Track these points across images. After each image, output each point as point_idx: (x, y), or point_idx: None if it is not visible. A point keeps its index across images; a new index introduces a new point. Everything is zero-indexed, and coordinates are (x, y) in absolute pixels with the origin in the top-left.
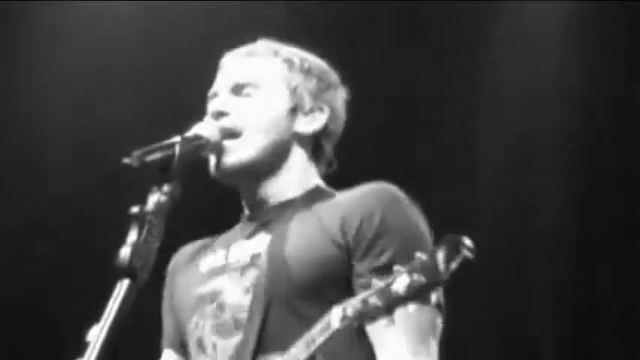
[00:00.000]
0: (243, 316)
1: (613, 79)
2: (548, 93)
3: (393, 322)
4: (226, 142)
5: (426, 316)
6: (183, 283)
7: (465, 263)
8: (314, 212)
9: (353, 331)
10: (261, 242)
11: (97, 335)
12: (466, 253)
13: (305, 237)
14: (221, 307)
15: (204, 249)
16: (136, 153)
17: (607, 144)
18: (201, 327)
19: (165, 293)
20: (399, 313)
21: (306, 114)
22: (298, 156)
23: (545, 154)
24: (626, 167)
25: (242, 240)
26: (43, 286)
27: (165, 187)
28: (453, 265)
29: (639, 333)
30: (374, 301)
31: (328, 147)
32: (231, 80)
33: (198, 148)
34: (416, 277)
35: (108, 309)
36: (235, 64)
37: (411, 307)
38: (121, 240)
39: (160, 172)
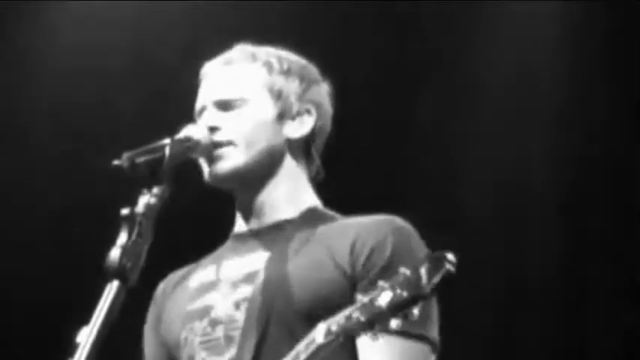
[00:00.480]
0: (236, 333)
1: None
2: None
3: (376, 337)
4: (221, 149)
5: (418, 351)
6: (172, 304)
7: (449, 278)
8: (319, 235)
9: (342, 347)
10: (258, 260)
11: (86, 336)
12: (449, 267)
13: (309, 259)
14: (212, 323)
15: (193, 270)
16: (126, 155)
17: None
18: (190, 343)
19: (150, 319)
20: (393, 343)
21: (293, 118)
22: (290, 161)
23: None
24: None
25: (235, 257)
26: (32, 287)
27: (156, 189)
28: (436, 280)
29: None
30: (357, 315)
31: (317, 149)
32: (216, 95)
33: (189, 150)
34: (399, 291)
35: (97, 310)
36: (217, 76)
37: (407, 343)
38: (110, 241)
39: (150, 174)
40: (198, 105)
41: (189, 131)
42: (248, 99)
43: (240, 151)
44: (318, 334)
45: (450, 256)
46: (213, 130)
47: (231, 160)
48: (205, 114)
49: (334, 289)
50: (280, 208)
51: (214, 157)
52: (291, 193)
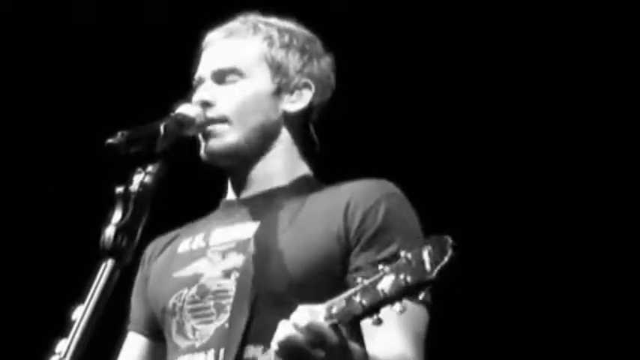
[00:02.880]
0: (225, 302)
1: None
2: None
3: (380, 322)
4: (215, 126)
5: (416, 312)
6: (159, 267)
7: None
8: (311, 203)
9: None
10: (248, 228)
11: (81, 315)
12: (452, 252)
13: (301, 228)
14: (201, 291)
15: (182, 234)
16: (121, 133)
17: None
18: (179, 310)
19: (138, 279)
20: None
21: (291, 92)
22: (285, 136)
23: None
24: None
25: (225, 225)
26: (25, 265)
27: (150, 167)
28: (442, 265)
29: None
30: (359, 299)
31: (314, 122)
32: (214, 65)
33: (184, 128)
34: (402, 276)
35: (92, 289)
36: (217, 47)
37: (403, 304)
38: (105, 220)
39: (145, 152)
40: (196, 75)
41: (183, 109)
42: (246, 72)
43: (234, 129)
44: (319, 316)
45: (452, 241)
46: (207, 105)
47: (227, 137)
48: (201, 87)
49: (326, 257)
50: (273, 177)
51: (208, 134)
52: (285, 165)
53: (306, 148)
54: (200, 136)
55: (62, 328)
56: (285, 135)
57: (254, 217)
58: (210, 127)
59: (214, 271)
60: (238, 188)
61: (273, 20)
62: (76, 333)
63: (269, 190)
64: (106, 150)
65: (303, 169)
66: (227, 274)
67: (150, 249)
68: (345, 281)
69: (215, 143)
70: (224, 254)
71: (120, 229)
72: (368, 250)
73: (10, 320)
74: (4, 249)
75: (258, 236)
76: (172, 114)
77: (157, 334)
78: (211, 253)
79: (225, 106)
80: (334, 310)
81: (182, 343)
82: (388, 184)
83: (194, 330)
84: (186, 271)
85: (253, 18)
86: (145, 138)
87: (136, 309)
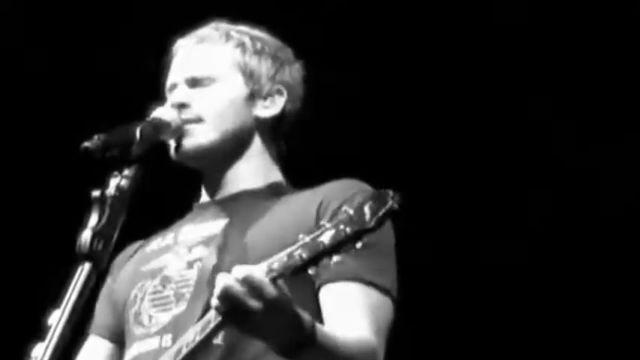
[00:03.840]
0: (186, 290)
1: None
2: None
3: (317, 274)
4: (188, 126)
5: (381, 302)
6: (126, 269)
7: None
8: (283, 202)
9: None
10: (217, 225)
11: (57, 319)
12: (392, 203)
13: (271, 223)
14: (163, 281)
15: (153, 238)
16: (96, 136)
17: None
18: (139, 300)
19: (106, 285)
20: (358, 289)
21: (264, 98)
22: (258, 140)
23: None
24: None
25: (195, 223)
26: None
27: (126, 171)
28: (380, 214)
29: None
30: (299, 252)
31: (285, 129)
32: (187, 72)
33: (159, 131)
34: (342, 227)
35: (68, 293)
36: (188, 53)
37: (372, 292)
38: (81, 224)
39: (121, 156)
40: (168, 82)
41: (159, 113)
42: (219, 77)
43: (209, 129)
44: (259, 271)
45: (394, 193)
46: (182, 106)
47: (199, 137)
48: (175, 91)
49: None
50: (246, 180)
51: (182, 133)
52: (256, 169)
53: (279, 154)
54: (172, 140)
55: (38, 332)
56: (257, 140)
57: (224, 215)
58: (185, 127)
59: (179, 262)
60: (210, 190)
61: (245, 28)
62: (52, 337)
63: (241, 191)
64: (82, 153)
65: (276, 175)
66: (190, 265)
67: (120, 256)
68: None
69: (189, 142)
70: (190, 248)
71: (96, 234)
72: None
73: None
74: None
75: (225, 230)
76: (148, 118)
77: (120, 339)
78: (178, 248)
79: (201, 107)
80: (275, 266)
81: (137, 331)
82: (360, 183)
83: (150, 318)
84: (151, 265)
85: (224, 25)
86: (121, 142)
87: (100, 313)
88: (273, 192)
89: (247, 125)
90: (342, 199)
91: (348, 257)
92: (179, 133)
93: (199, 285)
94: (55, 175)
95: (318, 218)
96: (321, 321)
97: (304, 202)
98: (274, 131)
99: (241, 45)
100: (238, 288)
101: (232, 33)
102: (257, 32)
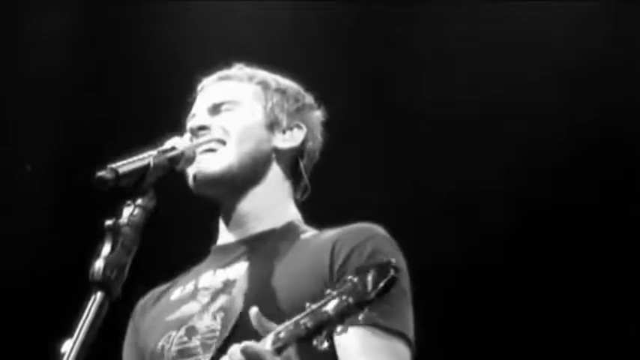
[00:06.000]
0: (212, 342)
1: None
2: None
3: (322, 344)
4: (204, 155)
5: (390, 343)
6: (150, 318)
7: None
8: (300, 246)
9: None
10: (237, 270)
11: (70, 348)
12: (393, 273)
13: (288, 270)
14: (189, 332)
15: (173, 285)
16: (111, 166)
17: None
18: (166, 352)
19: (130, 330)
20: (371, 335)
21: (283, 131)
22: (276, 172)
23: None
24: None
25: (215, 267)
26: (15, 298)
27: (140, 200)
28: (381, 285)
29: None
30: (305, 322)
31: (305, 167)
32: (209, 102)
33: (173, 161)
34: (344, 297)
35: (81, 322)
36: (212, 88)
37: (385, 336)
38: (95, 253)
39: (134, 186)
40: (190, 113)
41: (173, 142)
42: (240, 102)
43: (230, 149)
44: (267, 342)
45: (394, 262)
46: (201, 129)
47: (218, 161)
48: (195, 118)
49: (311, 298)
50: (263, 219)
51: (202, 158)
52: (274, 204)
53: (297, 192)
54: (188, 170)
55: None
56: (275, 172)
57: (243, 259)
58: (205, 146)
59: (202, 312)
60: (229, 229)
61: (269, 73)
62: None
63: (259, 233)
64: (96, 183)
65: (292, 211)
66: (214, 316)
67: (140, 304)
68: None
69: (206, 169)
70: (213, 296)
71: (109, 262)
72: None
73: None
74: None
75: (245, 276)
76: (161, 147)
77: None
78: (200, 296)
79: (221, 129)
80: (281, 335)
81: None
82: (375, 227)
83: None
84: (176, 315)
85: (249, 68)
86: (135, 172)
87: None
88: (290, 233)
89: (265, 154)
90: (353, 244)
91: None
92: (193, 162)
93: (222, 338)
94: (68, 204)
95: (330, 266)
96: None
97: (318, 249)
98: (293, 167)
99: (263, 82)
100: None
101: (256, 73)
102: (280, 77)
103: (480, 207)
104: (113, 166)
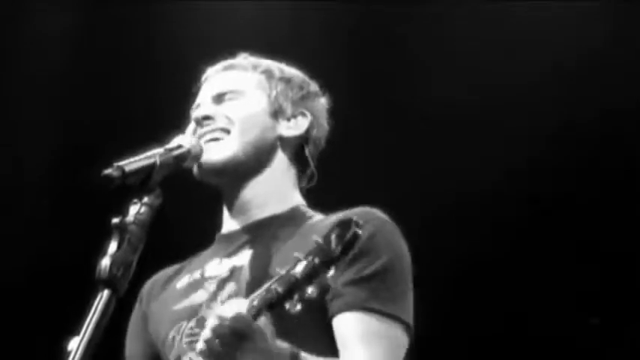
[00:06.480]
0: None
1: None
2: None
3: (294, 307)
4: (215, 133)
5: (391, 329)
6: (159, 305)
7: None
8: (303, 231)
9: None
10: (242, 257)
11: (76, 346)
12: (355, 229)
13: (291, 257)
14: (199, 323)
15: (179, 271)
16: (117, 164)
17: None
18: (177, 343)
19: (135, 317)
20: (367, 320)
21: (288, 119)
22: (281, 160)
23: None
24: None
25: (221, 255)
26: (21, 297)
27: (146, 198)
28: (345, 240)
29: None
30: (275, 287)
31: (310, 154)
32: (213, 91)
33: (179, 159)
34: (311, 258)
35: (88, 320)
36: (216, 78)
37: (380, 320)
38: (101, 251)
39: (141, 183)
40: (195, 104)
41: (179, 140)
42: (243, 92)
43: (234, 138)
44: (242, 308)
45: (357, 219)
46: (205, 119)
47: (225, 148)
48: (200, 108)
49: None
50: (267, 205)
51: (206, 147)
52: (278, 191)
53: (302, 179)
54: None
55: (58, 359)
56: (279, 159)
57: (248, 246)
58: (209, 135)
59: (211, 301)
60: (233, 216)
61: (272, 61)
62: None
63: (263, 218)
64: (102, 181)
65: (297, 197)
66: (223, 304)
67: (147, 287)
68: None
69: (211, 156)
70: (219, 284)
71: (115, 260)
72: (347, 271)
73: (6, 352)
74: None
75: (251, 264)
76: (167, 145)
77: None
78: (208, 284)
79: (225, 118)
80: (255, 302)
81: None
82: (376, 211)
83: None
84: (184, 303)
85: (253, 57)
86: (141, 170)
87: (132, 347)
88: (294, 218)
89: (270, 142)
90: None
91: (358, 287)
92: (199, 158)
93: None
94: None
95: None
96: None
97: (320, 234)
98: (297, 154)
99: (268, 72)
100: (217, 325)
101: (260, 62)
102: (284, 66)
103: (480, 207)
104: (120, 164)
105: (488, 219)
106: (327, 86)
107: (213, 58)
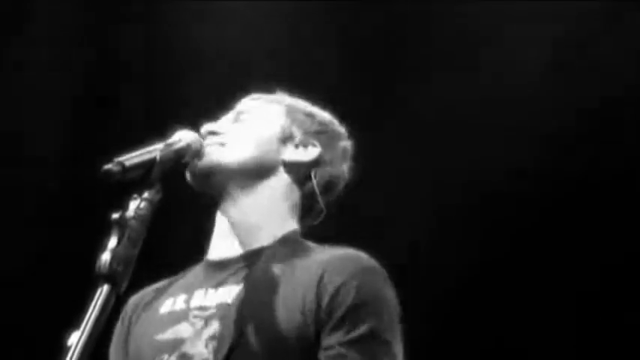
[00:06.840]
0: None
1: None
2: None
3: None
4: (211, 147)
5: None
6: (140, 328)
7: None
8: (291, 269)
9: None
10: (229, 292)
11: (76, 341)
12: None
13: (278, 300)
14: (181, 359)
15: (163, 292)
16: (117, 159)
17: None
18: None
19: (118, 333)
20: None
21: (296, 145)
22: (282, 184)
23: None
24: None
25: (207, 286)
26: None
27: (146, 193)
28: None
29: None
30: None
31: (318, 187)
32: (233, 112)
33: (179, 154)
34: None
35: (88, 314)
36: (242, 103)
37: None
38: (101, 246)
39: (141, 179)
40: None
41: (180, 135)
42: (259, 115)
43: (235, 149)
44: None
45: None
46: (212, 133)
47: (224, 154)
48: (214, 123)
49: (298, 332)
50: (260, 230)
51: (208, 149)
52: (271, 218)
53: (303, 209)
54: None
55: (58, 353)
56: (281, 184)
57: (236, 280)
58: (206, 148)
59: (195, 338)
60: (222, 241)
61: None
62: (71, 359)
63: (253, 250)
64: (102, 176)
65: (290, 224)
66: (206, 344)
67: (131, 305)
68: (317, 356)
69: (207, 158)
70: (206, 320)
71: (115, 256)
72: (338, 331)
73: (5, 347)
74: None
75: (237, 302)
76: (168, 140)
77: None
78: (193, 318)
79: (229, 133)
80: None
81: None
82: (363, 258)
83: None
84: (168, 335)
85: (287, 97)
86: (142, 165)
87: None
88: (284, 250)
89: (271, 162)
90: (338, 282)
91: (348, 348)
92: (199, 156)
93: None
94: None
95: (317, 302)
96: None
97: (307, 279)
98: (302, 183)
99: (291, 106)
100: None
101: (287, 99)
102: (313, 107)
103: (481, 207)
104: (120, 159)
105: (488, 219)
106: (326, 88)
107: (211, 57)
